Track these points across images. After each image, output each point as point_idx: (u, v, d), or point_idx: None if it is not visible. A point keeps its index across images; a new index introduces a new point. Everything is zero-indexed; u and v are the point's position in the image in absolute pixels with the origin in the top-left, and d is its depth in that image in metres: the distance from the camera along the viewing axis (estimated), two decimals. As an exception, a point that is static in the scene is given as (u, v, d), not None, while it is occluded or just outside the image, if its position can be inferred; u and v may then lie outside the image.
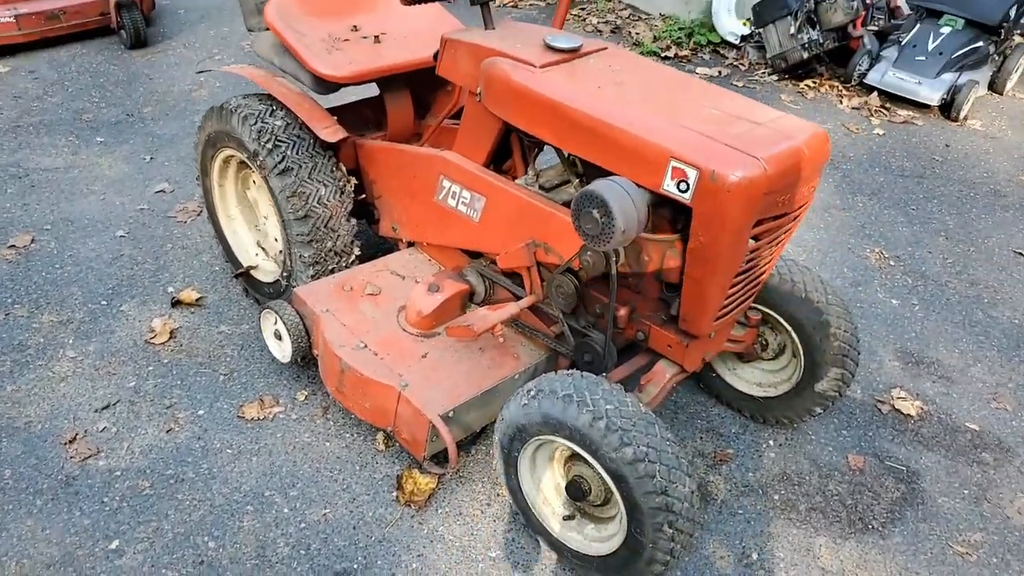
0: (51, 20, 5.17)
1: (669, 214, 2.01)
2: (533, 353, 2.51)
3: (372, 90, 3.01)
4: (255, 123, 2.62)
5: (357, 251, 2.79)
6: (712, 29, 6.47)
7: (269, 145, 2.58)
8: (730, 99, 2.12)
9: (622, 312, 2.21)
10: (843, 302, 2.46)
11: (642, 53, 5.97)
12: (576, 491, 2.07)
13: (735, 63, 6.03)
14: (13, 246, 3.30)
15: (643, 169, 1.93)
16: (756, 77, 5.79)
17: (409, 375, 2.34)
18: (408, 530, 2.27)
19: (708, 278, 1.97)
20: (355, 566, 2.15)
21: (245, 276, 3.06)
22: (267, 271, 2.99)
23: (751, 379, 2.73)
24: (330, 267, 2.72)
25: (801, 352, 2.48)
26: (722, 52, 6.25)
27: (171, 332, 2.90)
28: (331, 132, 2.61)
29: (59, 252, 3.30)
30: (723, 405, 2.82)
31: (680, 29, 6.47)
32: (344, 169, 2.73)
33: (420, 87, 3.01)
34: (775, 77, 5.78)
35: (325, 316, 2.50)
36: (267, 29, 2.80)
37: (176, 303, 3.04)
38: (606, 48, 2.34)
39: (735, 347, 2.51)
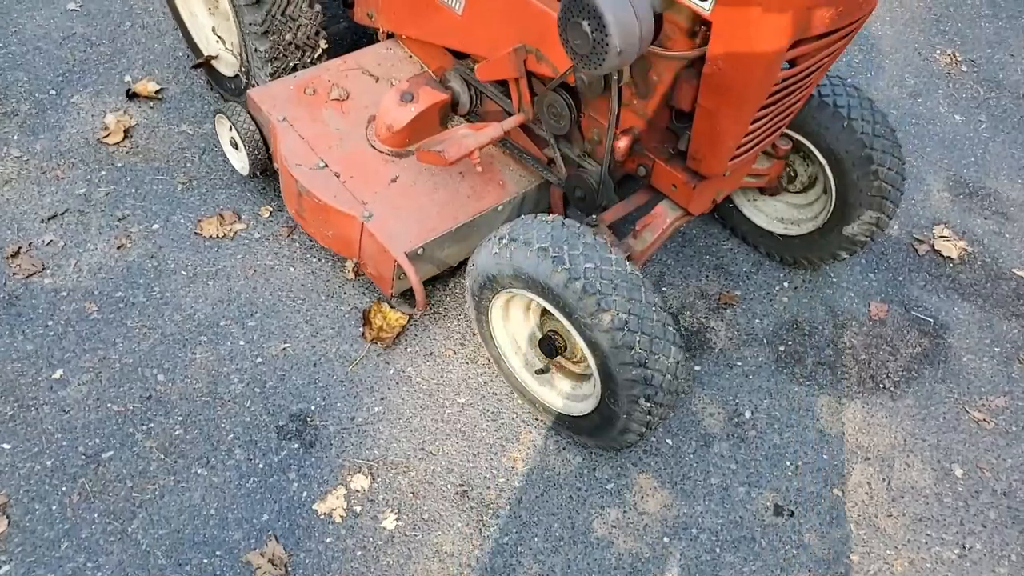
0: None
1: (686, 22, 1.57)
2: (522, 180, 2.18)
3: None
4: None
5: (324, 44, 2.37)
6: None
7: (207, -93, 2.09)
8: None
9: (622, 142, 1.84)
10: (893, 132, 2.05)
11: None
12: (550, 347, 1.85)
13: None
14: (-49, 19, 2.92)
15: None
16: None
17: (375, 204, 2.04)
18: (373, 369, 2.10)
19: (725, 111, 1.58)
20: (312, 407, 2.02)
21: (206, 67, 2.67)
22: (228, 63, 2.60)
23: (772, 213, 2.39)
24: (291, 64, 2.33)
25: (833, 188, 2.12)
26: None
27: (126, 130, 2.59)
28: None
29: (2, 28, 2.91)
30: (738, 239, 2.51)
31: None
32: (307, -55, 2.24)
33: None
34: None
35: (282, 126, 2.16)
36: None
37: (132, 95, 2.69)
38: None
39: (756, 182, 2.15)
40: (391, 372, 2.10)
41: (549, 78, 1.89)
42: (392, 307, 2.18)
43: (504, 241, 1.73)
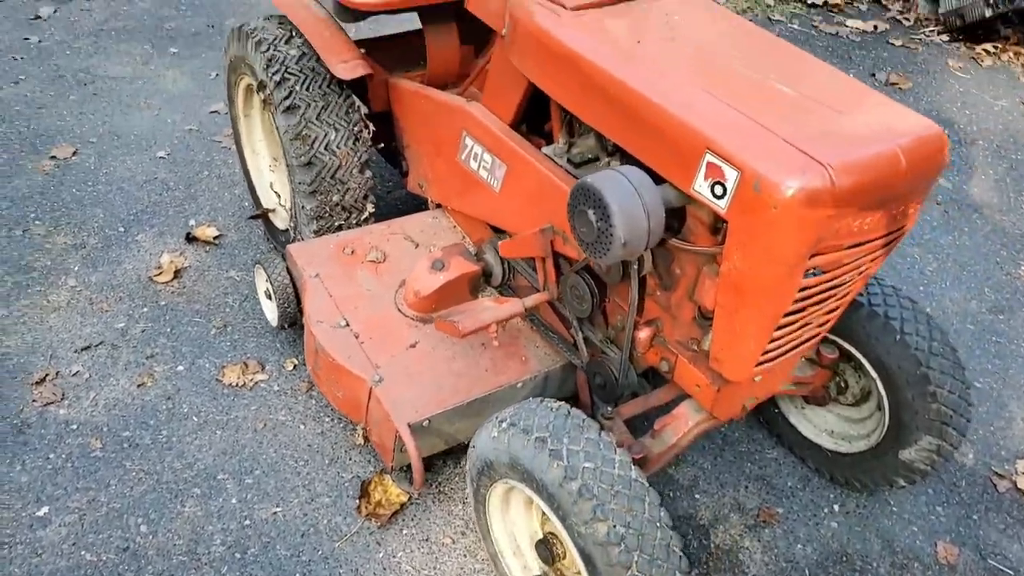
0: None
1: (708, 218, 1.49)
2: (546, 359, 2.07)
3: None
4: (267, 50, 2.26)
5: (372, 208, 2.41)
6: (879, -24, 5.50)
7: (277, 77, 2.22)
8: (817, 73, 1.55)
9: (644, 332, 1.73)
10: (954, 352, 1.86)
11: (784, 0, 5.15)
12: (545, 552, 1.65)
13: (899, 16, 5.09)
14: (54, 157, 3.16)
15: (672, 159, 1.42)
16: (921, 36, 4.87)
17: (388, 368, 1.96)
18: (362, 549, 1.93)
19: (745, 313, 1.45)
20: (290, 583, 1.85)
21: (263, 219, 2.76)
22: (283, 217, 2.68)
23: (822, 424, 2.18)
24: (336, 224, 2.37)
25: (887, 406, 1.91)
26: (884, 2, 5.31)
27: (177, 271, 2.66)
28: (347, 68, 2.21)
29: (95, 168, 3.13)
30: (784, 449, 2.29)
31: (840, -29, 5.55)
32: (362, 112, 2.34)
33: (474, 21, 2.54)
34: (946, 37, 4.83)
35: (312, 282, 2.16)
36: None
37: (192, 239, 2.79)
38: None
39: (798, 390, 1.97)
40: (380, 555, 1.93)
41: (575, 260, 1.82)
42: (393, 481, 2.04)
43: (504, 425, 1.60)
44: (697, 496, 2.14)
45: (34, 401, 2.21)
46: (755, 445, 2.29)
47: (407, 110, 2.39)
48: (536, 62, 1.71)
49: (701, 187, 1.37)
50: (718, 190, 1.34)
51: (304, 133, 2.21)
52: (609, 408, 1.76)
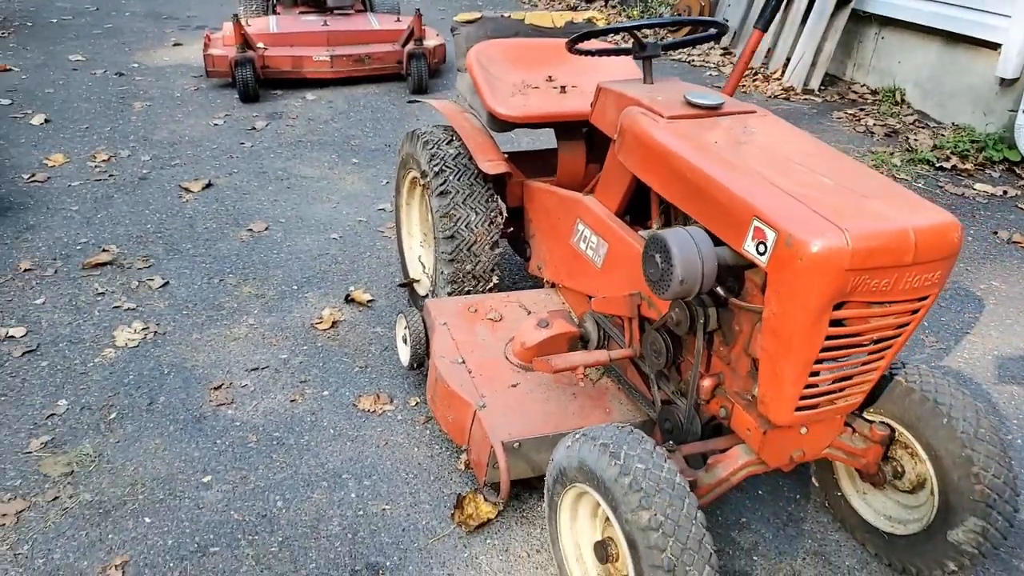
0: (358, 63, 6.08)
1: (760, 280, 1.85)
2: (627, 413, 2.40)
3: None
4: (432, 148, 2.87)
5: (496, 279, 2.90)
6: (1012, 146, 5.71)
7: (436, 168, 2.81)
8: (862, 174, 1.91)
9: (707, 382, 2.05)
10: (999, 437, 2.04)
11: (912, 161, 5.45)
12: (602, 552, 1.93)
13: (1029, 184, 5.26)
14: (251, 230, 3.91)
15: (727, 224, 1.81)
16: (1049, 203, 5.00)
17: (492, 398, 2.36)
18: (450, 548, 2.26)
19: (781, 354, 1.77)
20: (387, 563, 2.20)
21: (409, 288, 3.31)
22: (424, 286, 3.22)
23: (881, 509, 2.34)
24: (466, 288, 2.86)
25: (935, 486, 2.09)
26: (1019, 171, 5.49)
27: (334, 322, 3.22)
28: (492, 165, 2.77)
29: (281, 241, 3.84)
30: (847, 533, 2.44)
31: (972, 142, 5.81)
32: (500, 202, 2.87)
33: (601, 138, 3.07)
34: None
35: (441, 328, 2.63)
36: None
37: (349, 299, 3.37)
38: (755, 112, 2.24)
39: (851, 461, 2.18)
40: (465, 555, 2.25)
41: (655, 321, 2.19)
42: (485, 499, 2.38)
43: (577, 436, 1.94)
44: (756, 558, 2.33)
45: (211, 401, 2.76)
46: (819, 526, 2.46)
47: (536, 205, 2.91)
48: (638, 158, 2.17)
49: (749, 246, 1.75)
50: (761, 248, 1.71)
51: (451, 212, 2.76)
52: (671, 443, 2.06)
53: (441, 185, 2.79)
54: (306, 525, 2.30)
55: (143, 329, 3.10)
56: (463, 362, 2.49)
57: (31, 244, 3.66)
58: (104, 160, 4.58)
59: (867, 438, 2.15)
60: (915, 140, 5.87)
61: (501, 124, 2.83)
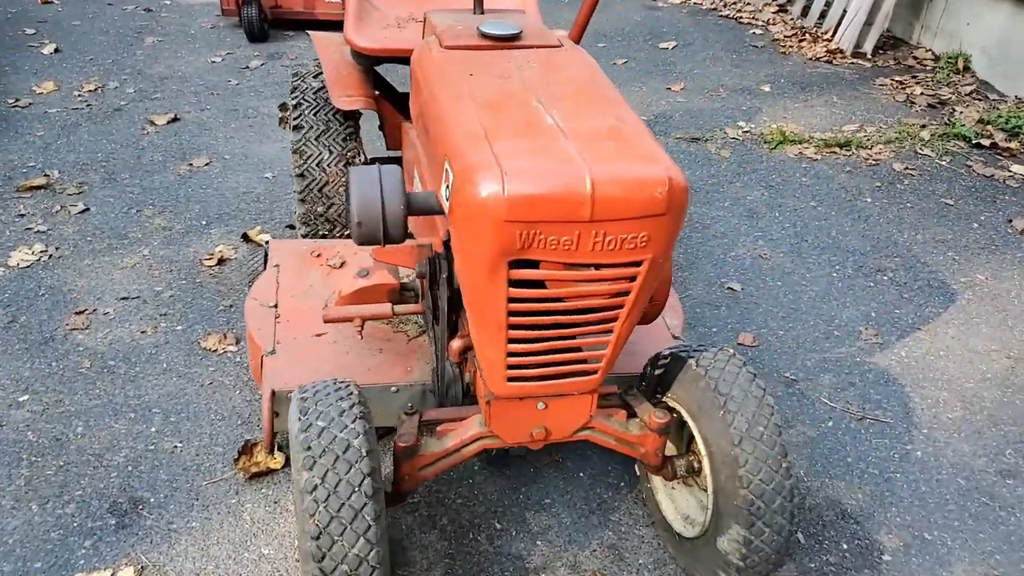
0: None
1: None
2: (429, 374, 2.25)
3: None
4: (297, 80, 2.76)
5: (353, 226, 2.77)
6: (1076, 127, 5.00)
7: (295, 101, 2.70)
8: (608, 117, 1.64)
9: (456, 343, 1.87)
10: (778, 439, 1.76)
11: (945, 136, 4.86)
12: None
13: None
14: (191, 164, 3.94)
15: (432, 165, 1.63)
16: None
17: (288, 345, 2.27)
18: (221, 493, 2.21)
19: (474, 314, 1.60)
20: (152, 499, 2.18)
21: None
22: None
23: (683, 507, 2.10)
24: (321, 232, 2.75)
25: (711, 488, 1.85)
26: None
27: (221, 259, 3.20)
28: (347, 101, 2.63)
29: (215, 177, 3.85)
30: (657, 530, 2.21)
31: (1034, 119, 5.12)
32: (362, 144, 2.73)
33: None
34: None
35: (271, 270, 2.54)
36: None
37: (246, 238, 3.33)
38: (559, 47, 1.98)
39: (626, 449, 1.97)
40: (233, 502, 2.19)
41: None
42: (280, 449, 2.31)
43: (307, 386, 1.80)
44: (539, 543, 2.15)
45: (67, 325, 2.80)
46: (628, 518, 2.25)
47: (407, 149, 2.75)
48: (412, 85, 1.99)
49: (444, 191, 1.56)
50: (447, 193, 1.52)
51: (302, 149, 2.65)
52: (411, 405, 1.91)
53: (296, 119, 2.68)
54: (93, 453, 2.30)
55: (41, 252, 3.19)
56: (275, 306, 2.40)
57: (-19, 164, 3.82)
58: (90, 91, 4.72)
59: (644, 425, 1.92)
60: (961, 113, 5.23)
61: (359, 57, 2.68)
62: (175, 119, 4.43)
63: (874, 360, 2.92)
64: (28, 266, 3.11)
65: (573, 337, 1.65)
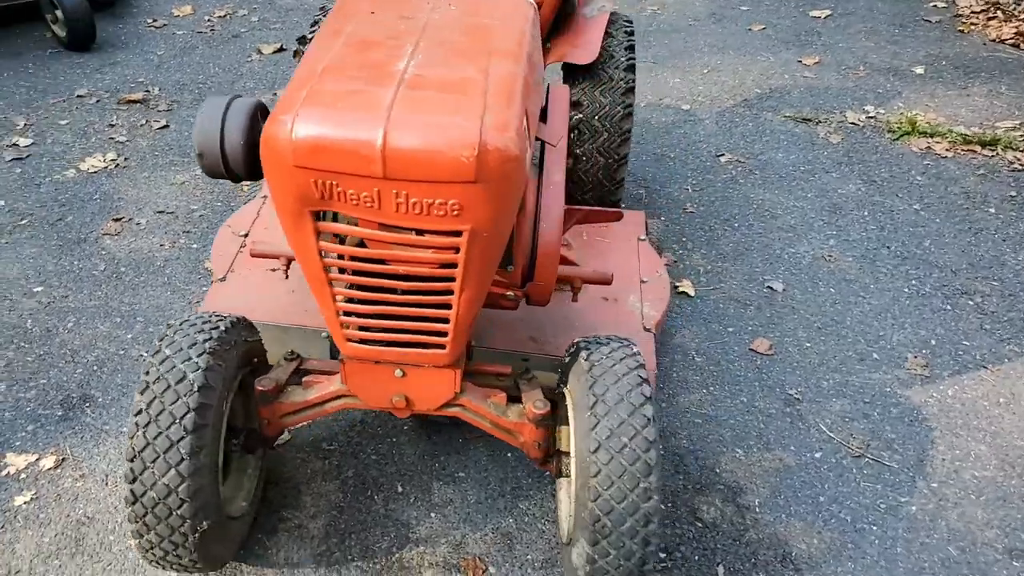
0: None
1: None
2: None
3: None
4: (320, 15, 2.76)
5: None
6: None
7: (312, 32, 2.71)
8: (480, 67, 1.48)
9: (341, 297, 1.81)
10: (644, 453, 1.55)
11: None
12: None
13: None
14: (275, 94, 4.10)
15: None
16: None
17: (241, 275, 2.33)
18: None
19: (302, 268, 1.53)
20: (101, 399, 2.33)
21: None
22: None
23: (566, 508, 1.92)
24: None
25: (574, 493, 1.68)
26: None
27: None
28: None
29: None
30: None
31: None
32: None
33: None
34: None
35: (257, 200, 2.60)
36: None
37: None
38: None
39: (504, 436, 1.84)
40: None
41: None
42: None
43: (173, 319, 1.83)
44: (432, 515, 2.07)
45: (102, 230, 3.03)
46: (537, 511, 2.11)
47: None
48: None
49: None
50: (282, 134, 1.45)
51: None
52: (291, 351, 1.88)
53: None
54: (71, 348, 2.49)
55: (112, 160, 3.46)
56: (245, 235, 2.45)
57: (100, 75, 4.19)
58: (219, 16, 5.02)
59: (522, 413, 1.77)
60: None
61: None
62: (280, 49, 4.61)
63: (907, 394, 2.51)
64: (95, 172, 3.39)
65: (412, 306, 1.54)
